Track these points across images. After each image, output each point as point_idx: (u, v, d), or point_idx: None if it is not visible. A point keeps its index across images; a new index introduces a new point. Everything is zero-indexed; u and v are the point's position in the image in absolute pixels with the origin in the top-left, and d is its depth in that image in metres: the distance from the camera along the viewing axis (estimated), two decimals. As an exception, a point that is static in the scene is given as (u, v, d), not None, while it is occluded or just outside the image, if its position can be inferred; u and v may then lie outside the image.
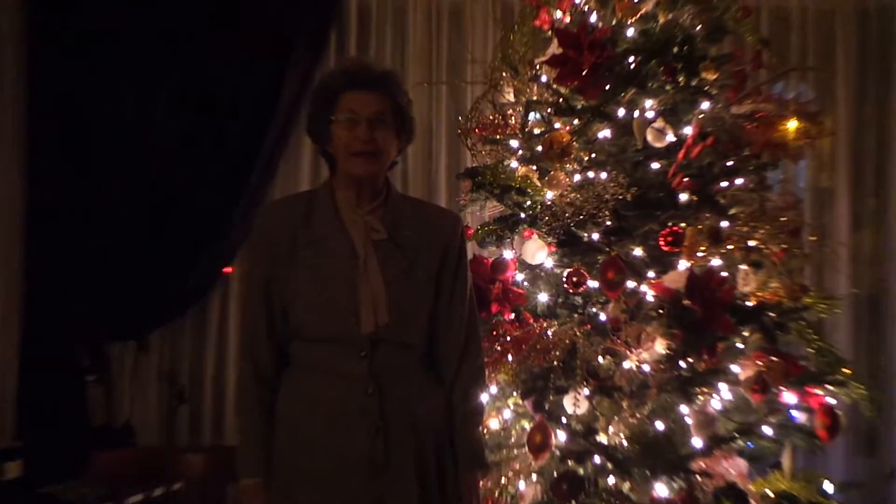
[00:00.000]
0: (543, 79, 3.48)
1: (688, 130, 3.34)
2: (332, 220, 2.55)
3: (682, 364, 3.11)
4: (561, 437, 3.20)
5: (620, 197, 3.16)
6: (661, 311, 3.08)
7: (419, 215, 2.62)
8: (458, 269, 2.64)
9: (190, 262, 4.64)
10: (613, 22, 3.46)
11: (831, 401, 3.23)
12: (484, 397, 2.77)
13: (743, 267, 3.28)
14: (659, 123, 3.29)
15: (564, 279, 3.23)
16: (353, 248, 2.52)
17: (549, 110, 3.47)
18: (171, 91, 4.58)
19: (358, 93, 2.51)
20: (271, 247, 2.55)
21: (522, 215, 3.41)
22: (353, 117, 2.49)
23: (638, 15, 3.40)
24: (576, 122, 3.36)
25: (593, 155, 3.39)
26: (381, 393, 2.50)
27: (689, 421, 3.13)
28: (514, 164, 3.53)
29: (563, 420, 3.22)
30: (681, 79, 3.33)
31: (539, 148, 3.38)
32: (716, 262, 3.23)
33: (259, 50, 4.61)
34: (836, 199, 4.95)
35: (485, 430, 3.28)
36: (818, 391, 3.24)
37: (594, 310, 3.28)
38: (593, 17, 3.51)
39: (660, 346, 3.04)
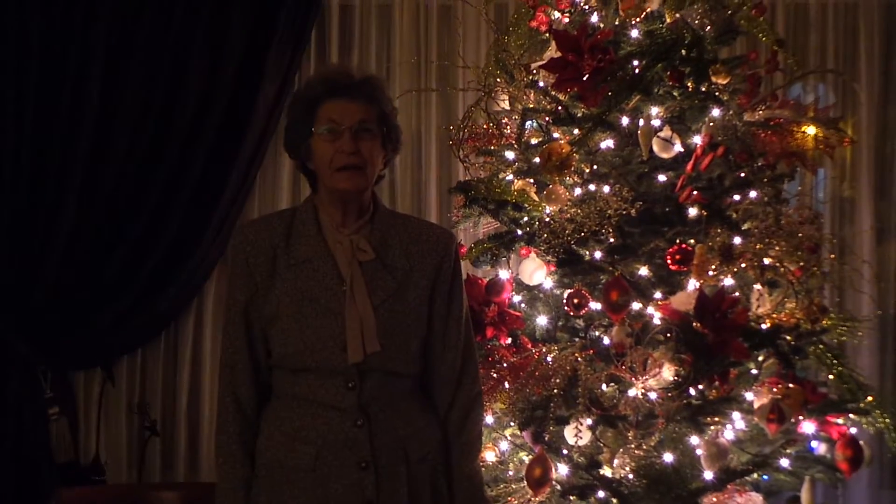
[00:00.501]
0: (541, 85, 3.50)
1: (697, 140, 3.36)
2: (315, 241, 2.55)
3: (692, 392, 3.13)
4: (562, 470, 3.21)
5: (624, 212, 3.17)
6: (668, 335, 3.09)
7: (409, 233, 2.62)
8: (453, 290, 2.65)
9: (159, 284, 4.64)
10: (616, 23, 3.48)
11: (853, 430, 3.24)
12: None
13: (757, 287, 3.30)
14: (666, 132, 3.32)
15: (565, 301, 3.25)
16: (338, 270, 2.52)
17: (547, 119, 3.49)
18: (135, 98, 4.57)
19: (339, 101, 2.51)
20: (249, 269, 2.55)
21: (519, 232, 3.43)
22: (335, 128, 2.49)
23: (642, 15, 3.42)
24: (576, 131, 3.37)
25: (595, 167, 3.41)
26: (371, 425, 2.51)
27: (699, 453, 3.15)
28: (509, 177, 3.55)
29: (565, 452, 3.23)
30: (689, 84, 3.35)
31: (536, 159, 3.40)
32: (728, 281, 3.25)
33: (232, 53, 4.62)
34: (857, 212, 4.94)
35: (481, 463, 3.30)
36: (839, 420, 3.26)
37: (597, 334, 3.29)
38: (594, 18, 3.53)
39: (668, 373, 3.06)
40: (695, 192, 3.30)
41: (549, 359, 3.25)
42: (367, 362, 2.49)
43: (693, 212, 3.30)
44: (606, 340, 3.24)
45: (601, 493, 3.17)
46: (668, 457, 3.13)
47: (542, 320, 3.44)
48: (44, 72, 4.52)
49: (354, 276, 2.51)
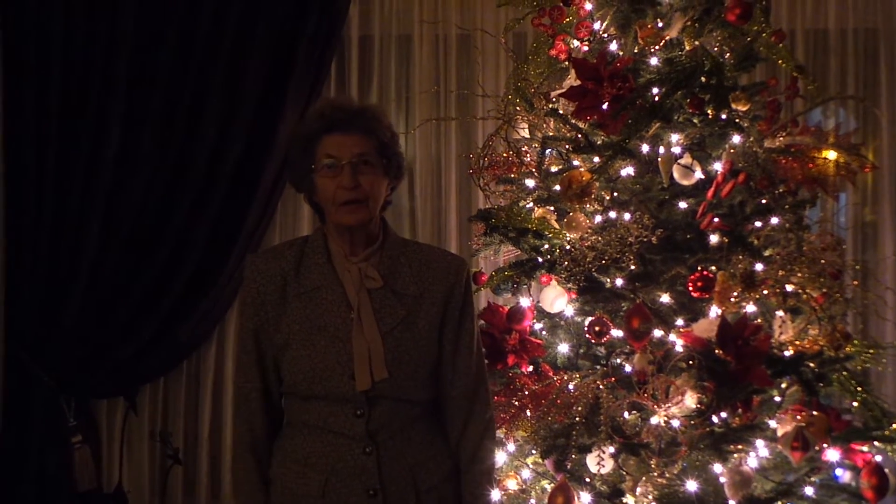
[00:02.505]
0: (560, 113, 3.51)
1: (718, 167, 3.36)
2: (324, 269, 2.57)
3: (715, 419, 3.11)
4: (584, 499, 3.20)
5: (645, 239, 3.17)
6: (690, 363, 3.09)
7: (419, 260, 2.63)
8: (463, 316, 2.64)
9: (182, 314, 4.66)
10: (635, 50, 3.49)
11: (878, 458, 3.22)
12: (498, 456, 2.77)
13: (779, 313, 3.29)
14: (686, 159, 3.32)
15: (586, 328, 3.24)
16: (347, 298, 2.54)
17: (567, 147, 3.49)
18: (156, 130, 4.61)
19: (336, 136, 2.51)
20: (261, 299, 2.57)
21: (540, 260, 3.42)
22: (334, 163, 2.50)
23: (662, 42, 3.43)
24: (596, 159, 3.38)
25: (615, 194, 3.41)
26: (380, 452, 2.52)
27: (722, 481, 3.13)
28: (530, 204, 3.56)
29: (587, 480, 3.22)
30: (709, 111, 3.35)
31: (557, 187, 3.40)
32: (750, 308, 3.24)
33: (254, 85, 4.65)
34: (880, 237, 4.94)
35: (501, 492, 3.29)
36: (864, 448, 3.23)
37: (618, 361, 3.28)
38: (613, 46, 3.54)
39: (690, 401, 3.04)
40: (716, 219, 3.29)
41: (570, 386, 3.24)
42: (376, 389, 2.49)
43: (714, 238, 3.30)
44: (628, 368, 3.23)
45: (624, 522, 3.15)
46: (691, 485, 3.11)
47: (563, 348, 3.44)
48: (64, 108, 4.57)
49: (362, 304, 2.52)
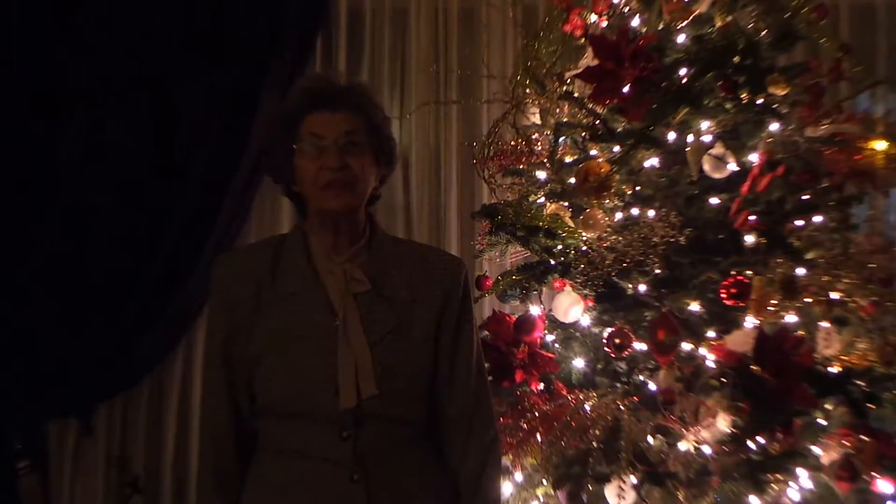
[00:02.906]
0: (576, 96, 3.52)
1: (753, 158, 3.36)
2: (304, 271, 2.56)
3: (751, 445, 3.10)
4: (602, 535, 3.19)
5: (672, 239, 3.18)
6: (723, 380, 3.09)
7: (412, 260, 2.62)
8: (461, 324, 2.63)
9: (143, 323, 4.65)
10: (660, 27, 3.50)
11: (936, 489, 3.21)
12: (504, 486, 2.76)
13: (824, 324, 3.29)
14: (718, 149, 3.31)
15: (605, 341, 3.24)
16: (330, 304, 2.52)
17: (583, 134, 3.50)
18: (123, 114, 4.60)
19: (322, 113, 2.52)
20: (230, 305, 2.55)
21: (552, 262, 3.42)
22: (319, 143, 2.50)
23: (690, 18, 3.44)
24: (616, 148, 3.38)
25: (638, 188, 3.42)
26: (369, 480, 2.49)
27: (760, 515, 3.12)
28: (541, 199, 3.56)
29: (605, 514, 3.21)
30: (744, 95, 3.35)
31: (572, 180, 3.40)
32: (790, 318, 3.24)
33: (229, 67, 4.65)
34: (936, 238, 4.93)
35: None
36: (920, 478, 3.23)
37: (641, 378, 3.28)
38: (636, 22, 3.56)
39: (723, 424, 3.04)
40: (751, 217, 3.29)
41: (587, 407, 3.23)
42: (364, 408, 2.47)
43: (750, 239, 3.30)
44: (652, 386, 3.23)
45: (647, 562, 3.15)
46: (723, 519, 3.10)
47: (578, 363, 3.43)
48: (23, 101, 4.57)
49: (348, 310, 2.51)
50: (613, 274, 3.24)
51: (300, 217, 2.67)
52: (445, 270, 2.64)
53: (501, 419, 3.21)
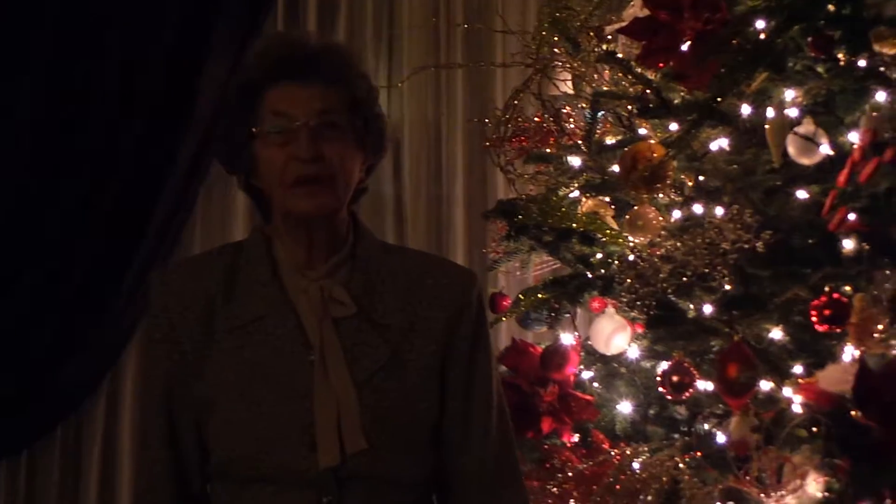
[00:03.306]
0: (620, 57, 3.52)
1: (854, 137, 3.35)
2: (269, 289, 2.52)
3: (852, 514, 3.10)
4: None
5: (747, 246, 3.18)
6: (814, 430, 3.08)
7: (408, 273, 2.58)
8: (475, 355, 2.60)
9: (57, 354, 4.67)
10: (731, -35, 3.50)
11: None
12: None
13: (946, 356, 3.28)
14: (807, 127, 3.31)
15: (659, 379, 3.24)
16: (304, 332, 2.50)
17: (629, 108, 3.51)
18: (28, 89, 4.64)
19: (288, 86, 2.48)
20: (174, 335, 2.53)
21: (590, 276, 3.44)
22: (285, 125, 2.46)
23: (769, -47, 3.45)
24: (673, 126, 3.39)
25: (701, 178, 3.43)
26: (358, 561, 2.50)
27: None
28: (574, 193, 3.57)
29: None
30: (840, 55, 3.35)
31: (615, 168, 3.41)
32: (902, 348, 3.24)
33: (159, 24, 4.69)
34: None
35: None
36: None
37: (706, 428, 3.28)
38: (698, -41, 3.56)
39: (813, 486, 3.04)
40: (851, 216, 3.28)
41: (635, 465, 3.24)
42: (349, 466, 2.44)
43: (849, 245, 3.29)
44: (721, 438, 3.22)
45: None
46: None
47: (624, 408, 3.44)
48: None
49: (327, 341, 2.48)
50: (670, 291, 3.24)
51: (263, 218, 2.63)
52: (452, 287, 2.60)
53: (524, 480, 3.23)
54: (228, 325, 2.50)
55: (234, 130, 2.50)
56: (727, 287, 3.24)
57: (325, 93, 2.46)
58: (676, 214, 3.40)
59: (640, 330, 3.41)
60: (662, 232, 3.31)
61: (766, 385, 3.21)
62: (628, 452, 3.29)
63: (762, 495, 3.07)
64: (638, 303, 3.24)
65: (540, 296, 3.48)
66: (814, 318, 3.17)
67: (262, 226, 2.61)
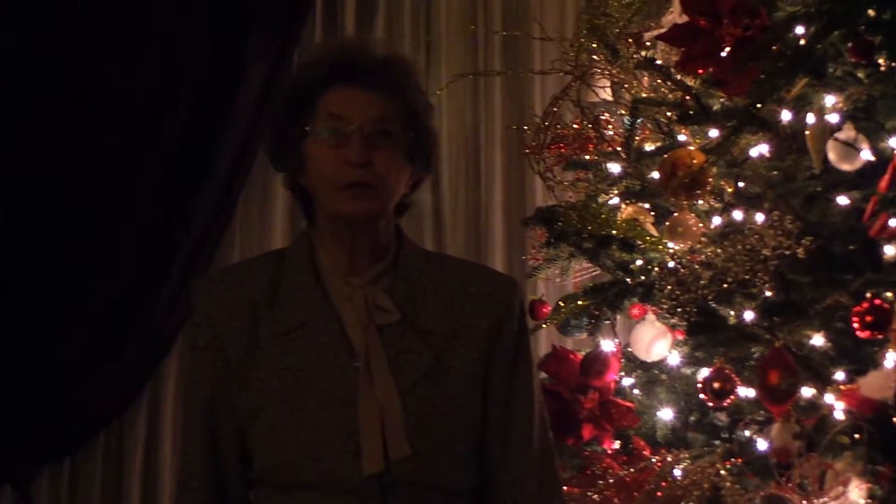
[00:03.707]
0: (659, 64, 3.52)
1: (894, 143, 3.34)
2: (312, 296, 2.52)
3: (894, 520, 3.10)
4: None
5: (787, 252, 3.17)
6: (857, 436, 3.07)
7: (451, 282, 2.59)
8: (517, 364, 2.59)
9: (97, 362, 4.70)
10: (771, -30, 3.50)
11: None
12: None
13: None
14: (847, 133, 3.30)
15: (700, 385, 3.24)
16: (347, 339, 2.49)
17: (668, 114, 3.51)
18: (56, 92, 4.66)
19: (347, 90, 2.47)
20: (217, 343, 2.53)
21: (630, 283, 3.44)
22: (340, 128, 2.45)
23: (809, -43, 3.44)
24: (713, 132, 3.39)
25: (742, 185, 3.42)
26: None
27: None
28: (614, 200, 3.58)
29: None
30: (881, 60, 3.33)
31: (655, 174, 3.41)
32: (946, 354, 3.23)
33: (201, 30, 4.72)
34: None
35: None
36: None
37: (748, 434, 3.28)
38: (738, -36, 3.55)
39: (856, 493, 3.03)
40: (892, 222, 3.26)
41: (676, 472, 3.24)
42: (393, 473, 2.44)
43: (890, 251, 3.27)
44: (763, 444, 3.22)
45: None
46: None
47: (665, 414, 3.44)
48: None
49: (371, 348, 2.48)
50: (710, 297, 3.23)
51: (307, 220, 2.63)
52: (495, 295, 2.59)
53: (565, 488, 3.22)
54: (272, 331, 2.50)
55: (287, 126, 2.51)
56: (768, 293, 3.24)
57: (384, 102, 2.46)
58: (716, 221, 3.39)
59: (680, 336, 3.41)
60: (702, 238, 3.30)
61: (807, 392, 3.21)
62: (669, 459, 3.28)
63: (804, 502, 3.06)
64: (678, 309, 3.24)
65: (580, 303, 3.48)
66: (855, 325, 3.16)
67: (306, 232, 2.61)
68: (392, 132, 2.46)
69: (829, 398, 3.20)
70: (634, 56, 3.58)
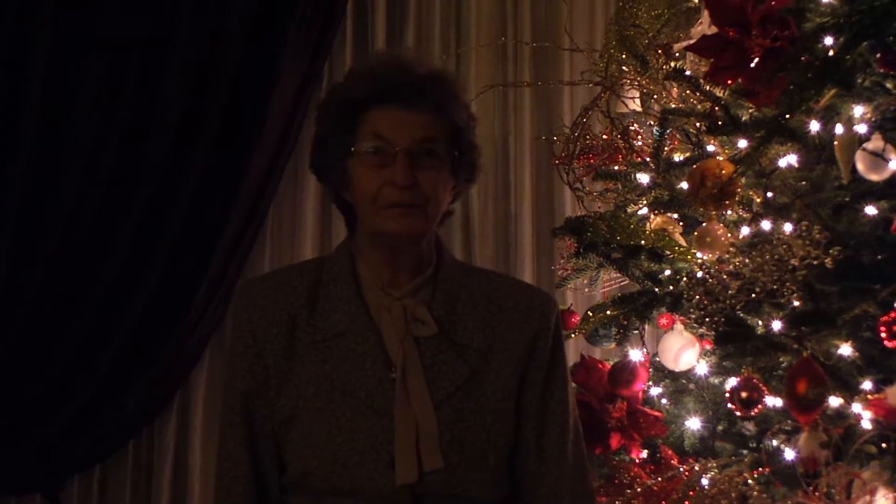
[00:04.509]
0: (688, 74, 3.52)
1: (923, 153, 3.35)
2: (352, 306, 2.54)
3: (922, 532, 3.10)
4: None
5: (815, 262, 3.16)
6: (884, 446, 3.07)
7: (489, 296, 2.60)
8: (552, 379, 2.61)
9: (128, 370, 4.72)
10: (798, -18, 3.50)
11: None
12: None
13: None
14: (875, 143, 3.30)
15: (728, 395, 3.23)
16: (385, 350, 2.51)
17: (697, 125, 3.52)
18: (91, 100, 4.69)
19: (391, 109, 2.48)
20: (257, 348, 2.55)
21: (658, 293, 3.45)
22: (385, 148, 2.47)
23: (838, -32, 3.44)
24: (742, 143, 3.39)
25: (770, 195, 3.42)
26: (432, 578, 2.50)
27: None
28: (643, 210, 3.59)
29: None
30: (909, 71, 3.34)
31: (683, 185, 3.42)
32: (974, 364, 3.23)
33: (233, 35, 4.75)
34: None
35: None
36: None
37: (775, 444, 3.28)
38: (767, -25, 3.56)
39: (883, 503, 3.03)
40: (921, 232, 3.28)
41: (704, 481, 3.24)
42: (426, 484, 2.46)
43: (919, 261, 3.28)
44: (790, 454, 3.22)
45: None
46: None
47: (693, 423, 3.45)
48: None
49: (408, 359, 2.49)
50: (738, 307, 3.22)
51: (349, 233, 2.65)
52: (532, 311, 2.60)
53: (594, 497, 3.24)
54: (310, 338, 2.52)
55: (331, 143, 2.53)
56: (796, 303, 3.23)
57: (428, 121, 2.47)
58: (745, 231, 3.39)
59: (708, 346, 3.41)
60: (731, 248, 3.29)
61: (835, 401, 3.20)
62: (697, 468, 3.29)
63: (831, 511, 3.08)
64: (706, 319, 3.22)
65: (608, 312, 3.49)
66: (883, 334, 3.14)
67: (347, 243, 2.62)
68: (436, 151, 2.48)
69: (856, 407, 3.18)
70: (664, 67, 3.58)
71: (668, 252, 3.42)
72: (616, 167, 3.64)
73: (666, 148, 3.58)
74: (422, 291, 2.55)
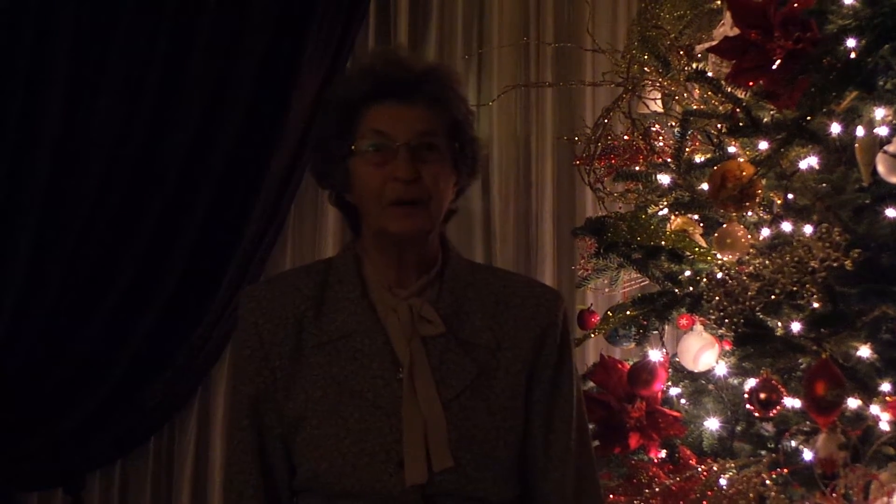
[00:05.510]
0: (709, 76, 3.52)
1: (944, 156, 3.36)
2: (358, 307, 2.54)
3: (940, 533, 3.10)
4: None
5: (835, 264, 3.16)
6: (903, 447, 3.08)
7: (496, 294, 2.60)
8: (559, 377, 2.61)
9: (149, 368, 4.74)
10: (821, -15, 3.49)
11: None
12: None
13: None
14: (896, 145, 3.33)
15: (746, 396, 3.25)
16: (392, 350, 2.51)
17: (719, 126, 3.52)
18: (115, 98, 4.71)
19: (389, 105, 2.48)
20: (263, 350, 2.55)
21: (678, 293, 3.45)
22: (385, 144, 2.46)
23: (860, -29, 3.44)
24: (763, 144, 3.39)
25: (791, 197, 3.42)
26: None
27: None
28: (663, 211, 3.60)
29: None
30: (932, 73, 3.34)
31: (704, 186, 3.43)
32: None
33: (256, 33, 4.76)
34: None
35: None
36: None
37: (794, 445, 3.29)
38: (789, -22, 3.56)
39: (902, 504, 3.04)
40: (941, 235, 3.29)
41: (722, 482, 3.24)
42: (436, 485, 2.46)
43: (940, 263, 3.29)
44: (809, 455, 3.22)
45: None
46: None
47: (712, 424, 3.46)
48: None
49: (415, 359, 2.49)
50: (758, 309, 3.23)
51: (353, 234, 2.64)
52: (539, 307, 2.60)
53: (611, 496, 3.25)
54: (317, 340, 2.51)
55: (331, 144, 2.52)
56: (815, 305, 3.23)
57: (427, 114, 2.46)
58: (765, 232, 3.40)
59: (727, 347, 3.42)
60: (751, 250, 3.30)
61: (853, 402, 3.21)
62: (715, 469, 3.29)
63: (849, 512, 3.08)
64: (726, 320, 3.23)
65: (628, 313, 3.50)
66: (902, 336, 3.19)
67: (352, 244, 2.61)
68: (437, 144, 2.47)
69: (874, 409, 3.19)
70: (685, 68, 3.58)
71: (688, 253, 3.42)
72: (637, 168, 3.64)
73: (687, 149, 3.57)
74: (428, 290, 2.55)
